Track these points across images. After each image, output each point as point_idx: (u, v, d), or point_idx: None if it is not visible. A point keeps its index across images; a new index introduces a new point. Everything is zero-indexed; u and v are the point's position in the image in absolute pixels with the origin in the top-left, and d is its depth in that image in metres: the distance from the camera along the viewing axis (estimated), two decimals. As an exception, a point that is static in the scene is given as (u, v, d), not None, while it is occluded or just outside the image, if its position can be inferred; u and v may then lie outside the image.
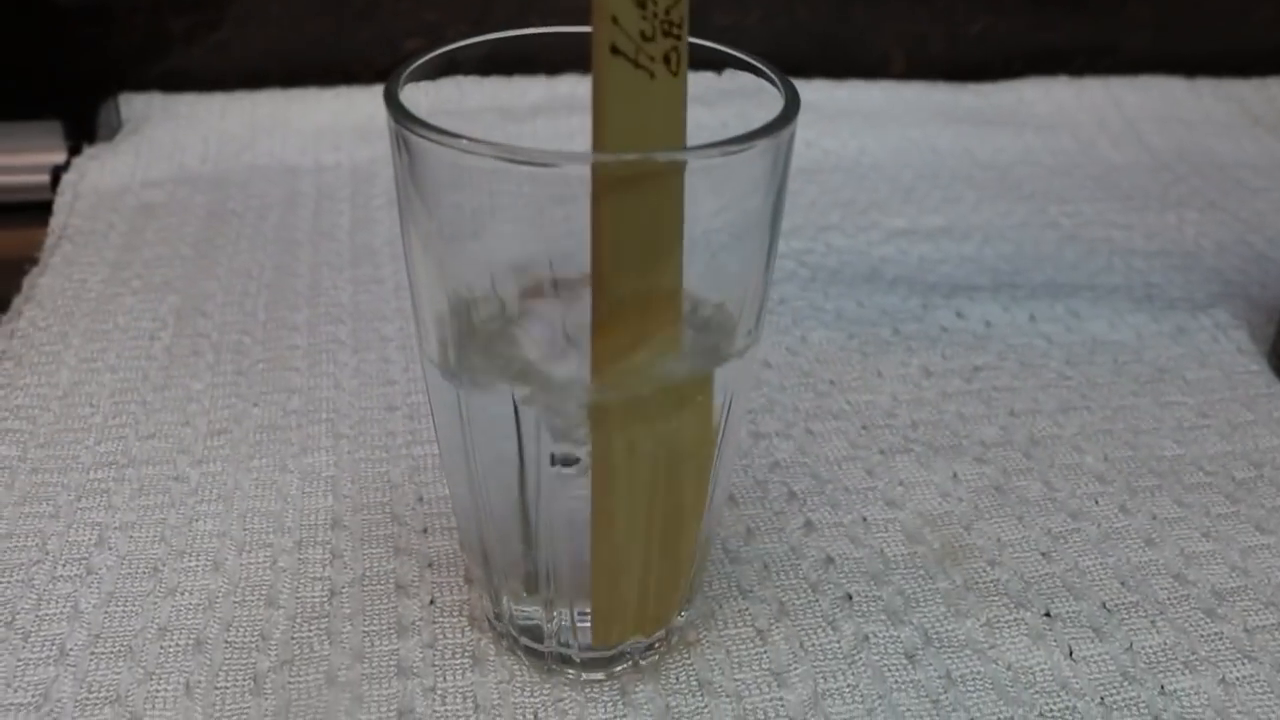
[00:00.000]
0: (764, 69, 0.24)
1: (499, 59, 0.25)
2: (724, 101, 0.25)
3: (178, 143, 0.53)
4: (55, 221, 0.47)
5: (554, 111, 0.30)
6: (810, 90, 0.58)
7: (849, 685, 0.27)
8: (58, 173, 0.50)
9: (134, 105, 0.55)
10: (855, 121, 0.57)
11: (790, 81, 0.23)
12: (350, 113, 0.55)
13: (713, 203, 0.22)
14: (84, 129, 0.52)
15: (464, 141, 0.20)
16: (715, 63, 0.25)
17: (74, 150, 0.52)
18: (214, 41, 0.57)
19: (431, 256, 0.23)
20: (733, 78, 0.25)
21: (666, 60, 0.20)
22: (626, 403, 0.23)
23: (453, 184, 0.22)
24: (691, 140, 0.26)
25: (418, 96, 0.24)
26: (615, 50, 0.20)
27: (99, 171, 0.50)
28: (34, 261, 0.44)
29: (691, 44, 0.25)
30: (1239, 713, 0.27)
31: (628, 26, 0.19)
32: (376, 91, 0.56)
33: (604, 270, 0.21)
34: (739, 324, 0.24)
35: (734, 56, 0.24)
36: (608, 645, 0.26)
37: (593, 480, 0.23)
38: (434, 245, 0.23)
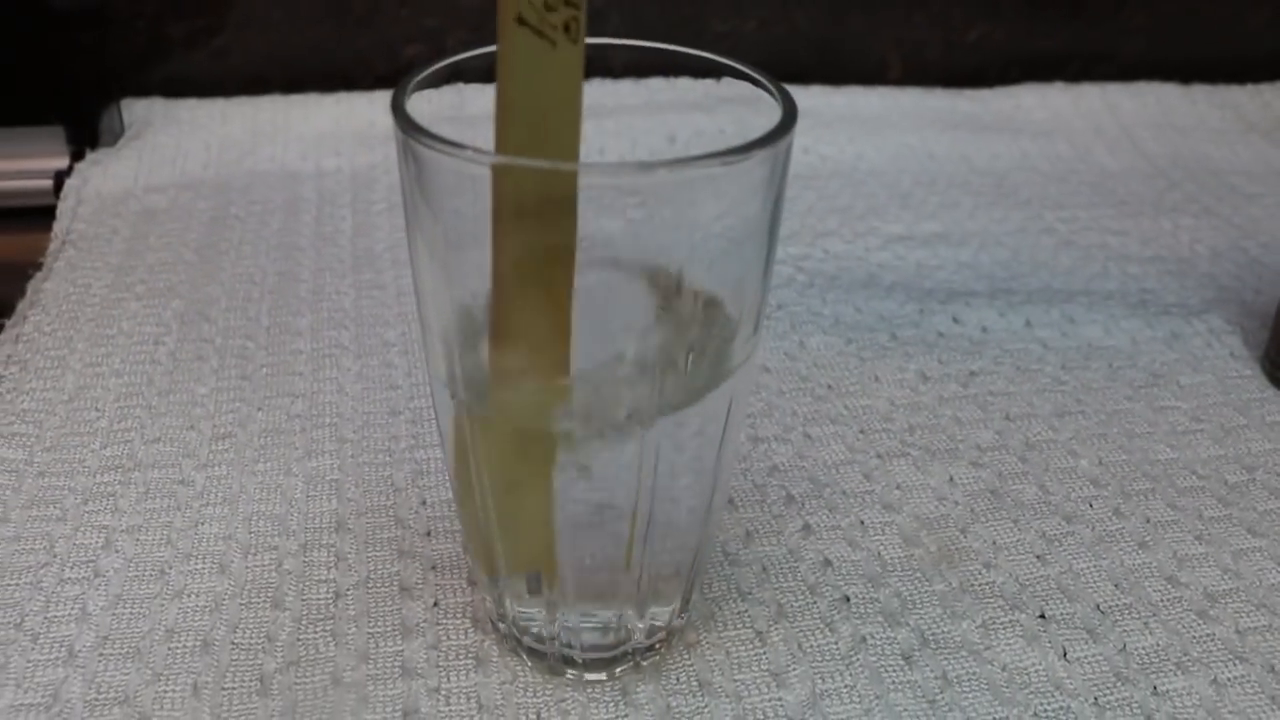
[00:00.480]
0: (761, 79, 0.24)
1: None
2: (722, 108, 0.26)
3: (180, 148, 0.53)
4: (59, 226, 0.47)
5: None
6: (807, 96, 0.59)
7: (847, 686, 0.27)
8: (61, 178, 0.51)
9: (136, 110, 0.55)
10: (852, 128, 0.57)
11: (788, 91, 0.23)
12: (351, 118, 0.55)
13: (711, 211, 0.22)
14: (87, 134, 0.52)
15: (470, 152, 0.21)
16: (713, 73, 0.25)
17: (77, 155, 0.52)
18: (215, 47, 0.57)
19: (438, 264, 0.24)
20: (730, 85, 0.25)
21: (566, 29, 0.21)
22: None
23: (459, 192, 0.22)
24: (688, 147, 0.26)
25: (421, 104, 0.24)
26: (521, 21, 0.21)
27: (102, 176, 0.50)
28: (38, 266, 0.44)
29: (691, 54, 0.25)
30: (1230, 713, 0.27)
31: None
32: (377, 97, 0.57)
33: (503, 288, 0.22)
34: (737, 332, 0.24)
35: (731, 67, 0.25)
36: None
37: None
38: (440, 253, 0.23)
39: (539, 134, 0.22)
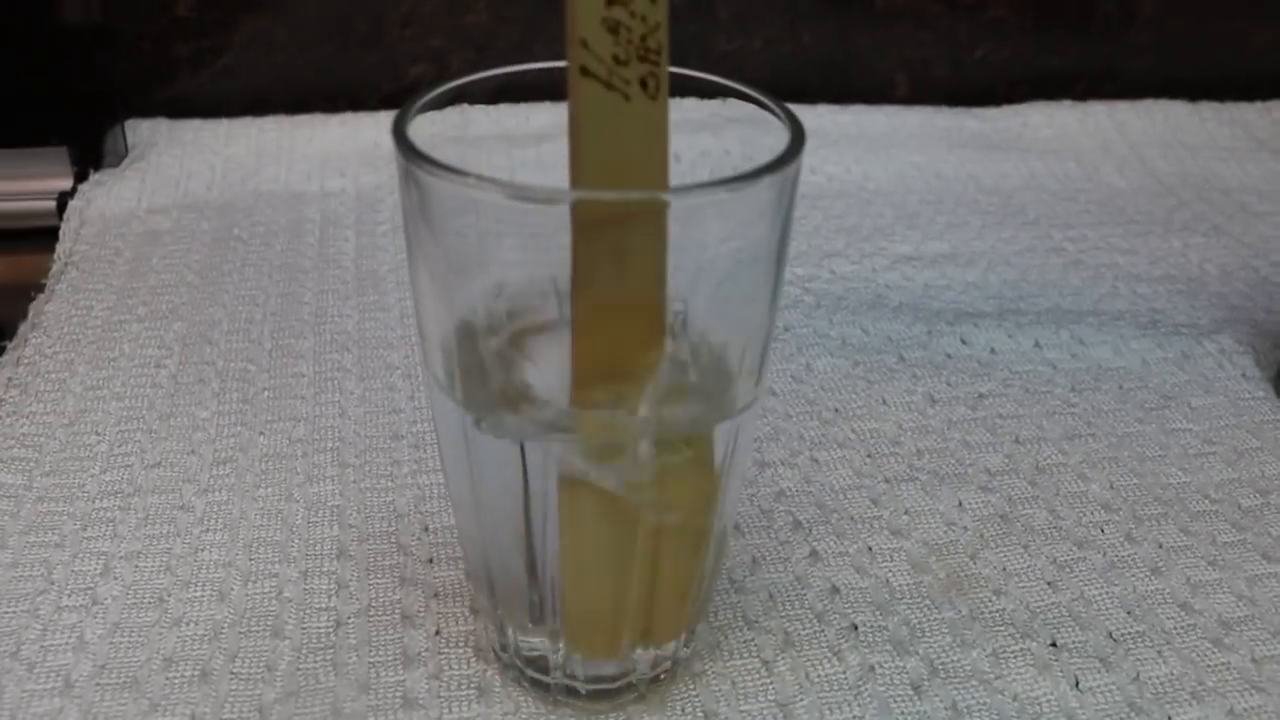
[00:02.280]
0: (769, 104, 0.24)
1: (505, 89, 0.25)
2: (728, 128, 0.25)
3: (184, 169, 0.53)
4: (61, 248, 0.47)
5: (561, 137, 0.30)
6: (814, 116, 0.59)
7: (855, 717, 0.27)
8: (64, 199, 0.50)
9: (140, 131, 0.55)
10: (859, 147, 0.57)
11: (795, 116, 0.23)
12: (355, 139, 0.55)
13: (717, 237, 0.22)
14: (90, 155, 0.52)
15: (472, 179, 0.21)
16: (720, 94, 0.25)
17: (80, 176, 0.52)
18: (219, 67, 0.57)
19: (439, 286, 0.23)
20: (737, 106, 0.25)
21: (644, 84, 0.20)
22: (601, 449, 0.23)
23: (460, 217, 0.22)
24: (694, 167, 0.26)
25: (424, 125, 0.24)
26: (585, 72, 0.20)
27: (105, 198, 0.50)
28: (40, 288, 0.44)
29: (698, 77, 0.25)
30: (1247, 745, 0.27)
31: (599, 50, 0.20)
32: (381, 117, 0.57)
33: (584, 305, 0.21)
34: (743, 365, 0.24)
35: (740, 90, 0.24)
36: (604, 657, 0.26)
37: (561, 522, 0.24)
38: (441, 275, 0.23)
39: (615, 186, 0.21)
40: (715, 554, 0.26)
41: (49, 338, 0.40)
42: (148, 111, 0.57)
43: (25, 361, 0.39)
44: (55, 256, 0.46)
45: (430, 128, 0.24)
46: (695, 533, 0.25)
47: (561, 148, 0.29)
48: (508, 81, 0.25)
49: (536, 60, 0.25)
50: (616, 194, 0.20)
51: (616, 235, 0.21)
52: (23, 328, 0.41)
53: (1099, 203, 0.54)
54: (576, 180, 0.21)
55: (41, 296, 0.43)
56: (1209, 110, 0.62)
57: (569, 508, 0.23)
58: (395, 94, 0.59)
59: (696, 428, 0.24)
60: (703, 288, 0.23)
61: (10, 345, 0.41)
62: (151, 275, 0.45)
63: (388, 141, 0.62)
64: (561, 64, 0.25)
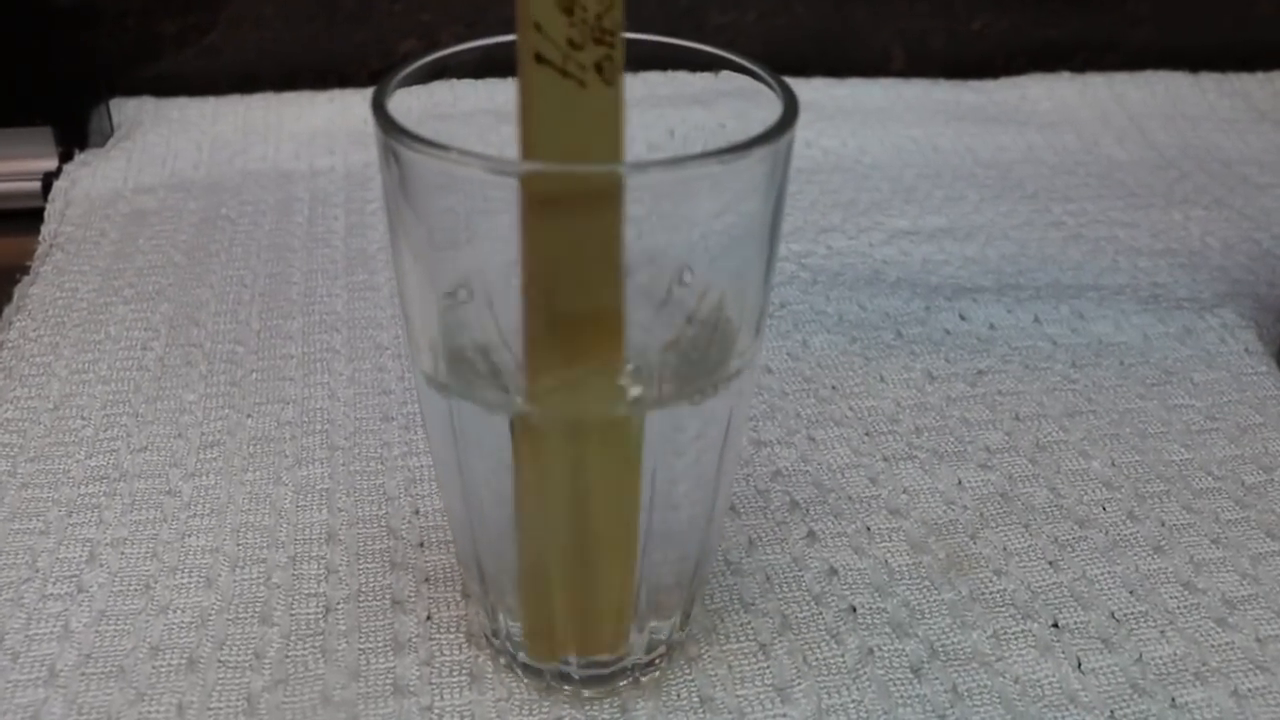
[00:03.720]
0: (761, 73, 0.23)
1: (491, 63, 0.25)
2: (721, 101, 0.25)
3: (170, 148, 0.52)
4: (46, 229, 0.46)
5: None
6: (809, 89, 0.58)
7: (853, 701, 0.27)
8: (49, 179, 0.50)
9: (125, 110, 0.55)
10: (855, 121, 0.56)
11: (789, 86, 0.22)
12: (344, 116, 0.54)
13: (710, 209, 0.22)
14: (75, 135, 0.52)
15: (453, 154, 0.20)
16: (713, 66, 0.24)
17: (65, 156, 0.51)
18: (206, 44, 0.56)
19: (421, 265, 0.23)
20: (730, 78, 0.24)
21: (599, 69, 0.19)
22: (550, 423, 0.22)
23: (442, 194, 0.22)
24: (686, 142, 0.26)
25: (409, 101, 0.23)
26: (540, 59, 0.19)
27: (91, 178, 0.49)
28: (25, 270, 0.44)
29: (690, 47, 0.24)
30: (1252, 725, 0.26)
31: (553, 34, 0.19)
32: (370, 94, 0.56)
33: (537, 288, 0.21)
34: (738, 337, 0.23)
35: (731, 60, 0.24)
36: (540, 660, 0.26)
37: (515, 493, 0.23)
38: (424, 253, 0.23)
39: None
40: (711, 535, 0.26)
41: (34, 321, 0.40)
42: (133, 90, 0.56)
43: (9, 345, 0.38)
44: (40, 238, 0.46)
45: (415, 103, 0.23)
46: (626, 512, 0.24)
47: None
48: (491, 53, 0.24)
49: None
50: (596, 166, 0.20)
51: (570, 223, 0.20)
52: (7, 311, 0.41)
53: (1099, 175, 0.53)
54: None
55: (26, 279, 0.43)
56: (1210, 81, 0.61)
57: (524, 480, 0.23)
58: (384, 70, 0.58)
59: (689, 399, 0.23)
60: (696, 262, 0.23)
61: (-5, 329, 0.40)
62: (138, 256, 0.44)
63: (376, 118, 0.60)
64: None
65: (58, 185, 0.49)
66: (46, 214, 0.47)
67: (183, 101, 0.55)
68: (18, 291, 0.42)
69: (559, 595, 0.25)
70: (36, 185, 0.50)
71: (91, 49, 0.55)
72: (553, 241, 0.20)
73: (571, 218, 0.20)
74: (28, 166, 0.51)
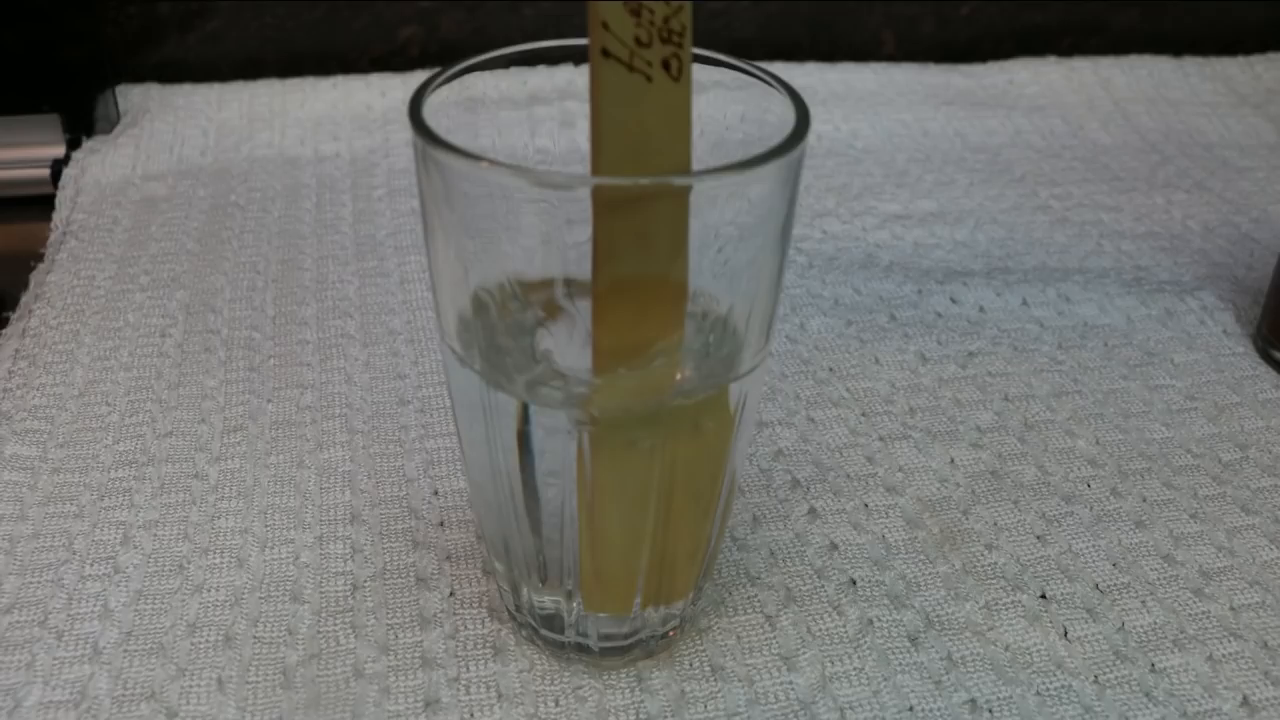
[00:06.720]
0: (775, 83, 0.24)
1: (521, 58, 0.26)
2: (730, 99, 0.26)
3: (177, 135, 0.53)
4: (58, 216, 0.47)
5: (577, 96, 0.30)
6: (802, 74, 0.59)
7: (855, 668, 0.28)
8: (57, 166, 0.51)
9: (132, 97, 0.55)
10: (847, 105, 0.57)
11: (800, 96, 0.24)
12: (348, 102, 0.55)
13: (725, 218, 0.23)
14: (82, 122, 0.52)
15: (485, 165, 0.21)
16: (726, 69, 0.25)
17: (73, 143, 0.52)
18: (209, 30, 0.57)
19: (455, 256, 0.24)
20: (738, 77, 0.25)
21: (666, 66, 0.21)
22: (622, 413, 0.23)
23: (477, 196, 0.23)
24: (695, 141, 0.27)
25: (443, 93, 0.24)
26: (606, 54, 0.20)
27: (99, 165, 0.50)
28: (37, 256, 0.45)
29: (701, 54, 0.26)
30: (1225, 688, 0.28)
31: (620, 32, 0.20)
32: (373, 80, 0.57)
33: (605, 281, 0.22)
34: (748, 336, 0.25)
35: (746, 68, 0.25)
36: (609, 610, 0.27)
37: (589, 483, 0.24)
38: (459, 245, 0.24)
39: (636, 170, 0.21)
40: (722, 514, 0.27)
41: (53, 309, 0.41)
42: (137, 76, 0.57)
43: (31, 333, 0.40)
44: (53, 225, 0.47)
45: (442, 91, 0.24)
46: (706, 492, 0.26)
47: (580, 105, 0.29)
48: (520, 59, 0.25)
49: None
50: (632, 180, 0.21)
51: (637, 216, 0.21)
52: (25, 298, 0.42)
53: (1084, 159, 0.55)
54: (597, 163, 0.21)
55: (42, 266, 0.44)
56: (1192, 65, 0.63)
57: (590, 470, 0.24)
58: (385, 55, 0.59)
59: (706, 390, 0.24)
60: (706, 270, 0.24)
61: (14, 316, 0.41)
62: (151, 243, 0.45)
63: (380, 105, 0.61)
64: (581, 41, 0.26)
65: (68, 172, 0.50)
66: (58, 201, 0.48)
67: (188, 88, 0.56)
68: (34, 279, 0.43)
69: (633, 558, 0.26)
70: (44, 172, 0.51)
71: (96, 36, 0.55)
72: (618, 239, 0.21)
73: (636, 217, 0.21)
74: (36, 154, 0.51)
